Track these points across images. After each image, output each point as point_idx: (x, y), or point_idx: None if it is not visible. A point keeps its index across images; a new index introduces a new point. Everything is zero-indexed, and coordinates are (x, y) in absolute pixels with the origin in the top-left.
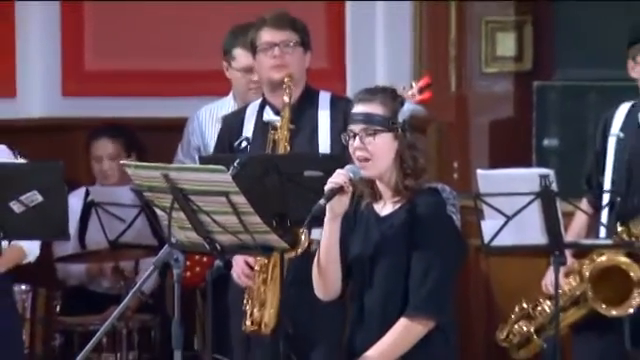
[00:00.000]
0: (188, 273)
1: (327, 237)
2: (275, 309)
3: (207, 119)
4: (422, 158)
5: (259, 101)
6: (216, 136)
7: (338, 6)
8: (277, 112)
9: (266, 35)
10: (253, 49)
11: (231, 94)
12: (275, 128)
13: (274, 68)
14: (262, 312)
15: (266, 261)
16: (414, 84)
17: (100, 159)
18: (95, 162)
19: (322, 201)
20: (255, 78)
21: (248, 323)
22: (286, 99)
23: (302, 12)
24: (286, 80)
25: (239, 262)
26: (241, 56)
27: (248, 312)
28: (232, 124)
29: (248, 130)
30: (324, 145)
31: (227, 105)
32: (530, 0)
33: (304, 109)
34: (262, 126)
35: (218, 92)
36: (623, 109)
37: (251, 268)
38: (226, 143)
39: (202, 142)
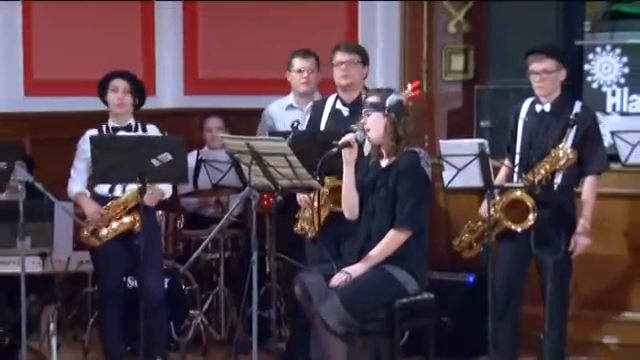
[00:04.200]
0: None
1: (346, 177)
2: (316, 227)
3: (275, 109)
4: (406, 129)
5: (335, 95)
6: (282, 118)
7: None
8: (344, 103)
9: (338, 56)
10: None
11: (291, 93)
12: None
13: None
14: (308, 227)
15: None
16: (409, 85)
17: (211, 130)
18: (207, 132)
19: (334, 149)
20: (305, 75)
21: (297, 228)
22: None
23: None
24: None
25: (304, 195)
26: (296, 63)
27: (299, 220)
28: (318, 107)
29: (326, 113)
30: None
31: (289, 100)
32: (473, 34)
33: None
34: (335, 111)
35: (281, 92)
36: (527, 102)
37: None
38: (314, 118)
39: (273, 123)
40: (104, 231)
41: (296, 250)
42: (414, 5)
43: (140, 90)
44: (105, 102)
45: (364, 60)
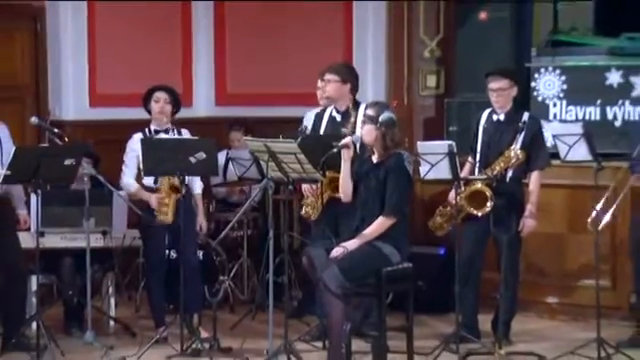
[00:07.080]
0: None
1: (343, 171)
2: (317, 211)
3: (310, 116)
4: (394, 139)
5: (332, 105)
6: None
7: (346, 50)
8: (337, 111)
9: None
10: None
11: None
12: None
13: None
14: (311, 211)
15: (317, 187)
16: (392, 104)
17: (234, 140)
18: (231, 142)
19: (334, 150)
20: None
21: (303, 212)
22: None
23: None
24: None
25: (306, 186)
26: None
27: (304, 206)
28: (320, 115)
29: (325, 119)
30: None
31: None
32: (443, 58)
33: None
34: (331, 118)
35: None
36: (486, 112)
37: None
38: (315, 125)
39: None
40: (164, 208)
41: (304, 229)
42: (396, 37)
43: (177, 100)
44: (148, 109)
45: (344, 79)
